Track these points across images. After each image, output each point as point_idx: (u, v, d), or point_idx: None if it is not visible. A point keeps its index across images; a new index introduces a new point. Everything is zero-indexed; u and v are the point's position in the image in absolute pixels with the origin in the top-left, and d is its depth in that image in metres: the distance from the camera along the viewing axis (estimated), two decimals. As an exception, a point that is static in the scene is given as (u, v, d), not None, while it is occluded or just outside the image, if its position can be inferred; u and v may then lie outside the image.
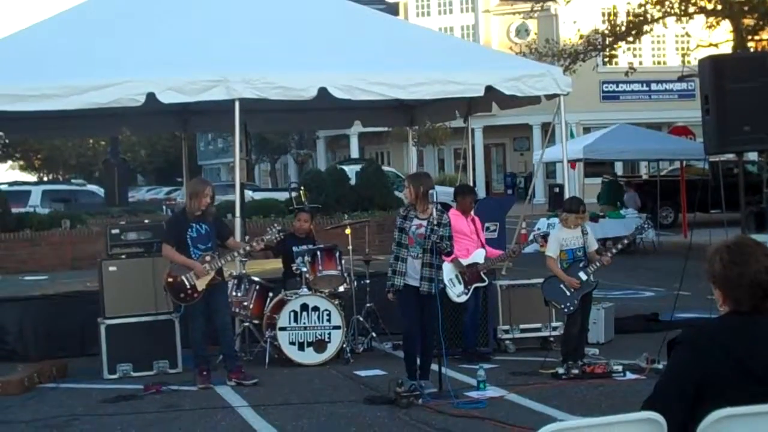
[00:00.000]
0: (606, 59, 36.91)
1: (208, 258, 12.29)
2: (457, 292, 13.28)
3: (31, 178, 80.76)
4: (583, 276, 12.41)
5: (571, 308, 12.41)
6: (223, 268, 12.60)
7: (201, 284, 12.24)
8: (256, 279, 13.98)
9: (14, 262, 23.33)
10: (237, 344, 13.67)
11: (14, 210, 28.36)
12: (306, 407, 10.97)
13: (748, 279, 4.49)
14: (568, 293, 12.42)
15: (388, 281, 11.58)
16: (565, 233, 12.59)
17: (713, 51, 26.89)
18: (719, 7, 28.45)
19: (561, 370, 12.09)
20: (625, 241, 13.88)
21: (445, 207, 13.62)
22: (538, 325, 14.13)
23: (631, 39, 31.06)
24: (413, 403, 10.76)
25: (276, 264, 15.04)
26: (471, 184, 18.58)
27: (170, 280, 12.32)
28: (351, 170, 34.12)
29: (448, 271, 12.95)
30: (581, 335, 12.65)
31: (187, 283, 12.22)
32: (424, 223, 11.39)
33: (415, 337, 11.53)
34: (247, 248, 12.90)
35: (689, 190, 30.66)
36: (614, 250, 13.00)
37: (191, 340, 12.52)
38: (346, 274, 14.06)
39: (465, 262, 13.38)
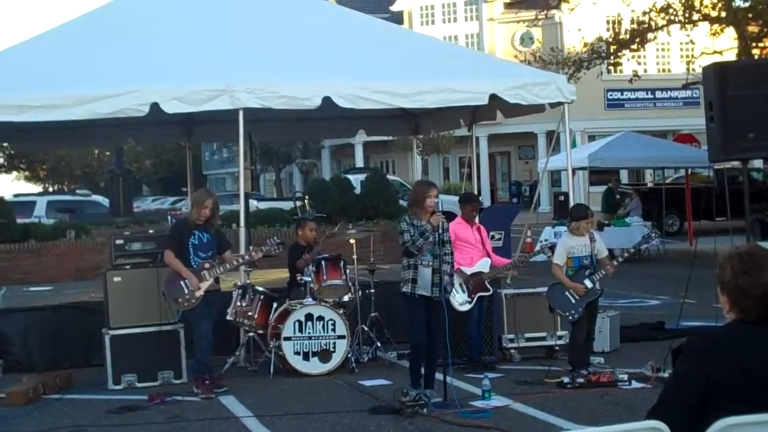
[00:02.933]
0: (610, 67, 36.83)
1: (207, 265, 12.39)
2: (460, 301, 13.25)
3: (37, 188, 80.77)
4: (588, 283, 12.40)
5: (576, 315, 12.39)
6: (219, 277, 12.71)
7: (199, 292, 12.31)
8: (260, 289, 13.97)
9: (19, 272, 23.31)
10: (242, 354, 13.70)
11: (19, 221, 28.34)
12: (311, 417, 10.95)
13: (759, 290, 4.46)
14: (573, 300, 12.40)
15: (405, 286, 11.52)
16: (573, 241, 12.59)
17: (717, 58, 26.86)
18: (723, 14, 28.42)
19: (566, 379, 12.07)
20: (632, 250, 13.89)
21: (450, 216, 13.61)
22: (543, 334, 14.12)
23: (635, 47, 31.03)
24: (418, 412, 10.74)
25: (280, 274, 15.02)
26: (476, 192, 18.55)
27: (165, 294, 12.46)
28: (356, 179, 34.09)
29: (451, 279, 12.91)
30: (587, 344, 12.64)
31: (185, 289, 12.30)
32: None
33: (424, 346, 11.50)
34: (246, 258, 13.00)
35: (694, 198, 30.63)
36: (620, 260, 13.03)
37: (197, 346, 12.47)
38: (350, 284, 14.05)
39: (469, 271, 13.36)
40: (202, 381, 12.30)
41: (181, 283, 12.34)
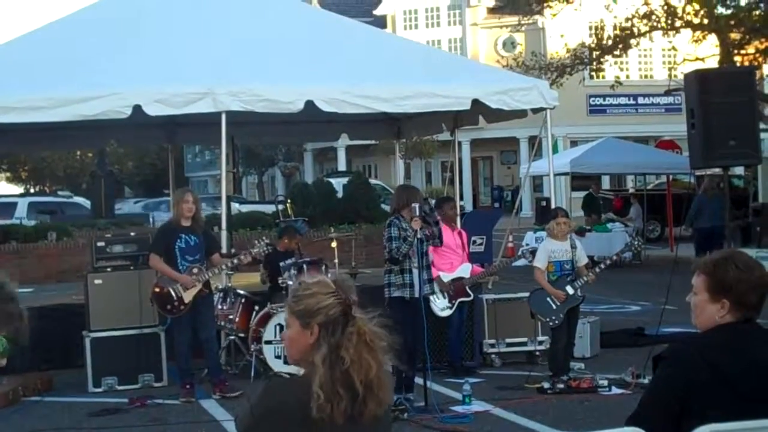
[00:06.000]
0: (593, 73, 36.92)
1: (195, 270, 12.29)
2: (441, 306, 13.26)
3: (18, 189, 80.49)
4: (569, 290, 12.42)
5: (557, 321, 12.41)
6: (210, 280, 12.61)
7: (188, 296, 12.23)
8: (241, 292, 13.95)
9: (-1, 274, 23.24)
10: (222, 357, 13.65)
11: (0, 222, 28.31)
12: (291, 421, 10.92)
13: (762, 282, 4.55)
14: (554, 306, 12.42)
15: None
16: (553, 245, 12.61)
17: (699, 65, 26.93)
18: (706, 21, 28.49)
19: (547, 385, 12.09)
20: (614, 257, 13.92)
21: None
22: (524, 339, 14.13)
23: (617, 53, 31.10)
24: (398, 417, 10.74)
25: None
26: (458, 197, 18.56)
27: (157, 290, 12.31)
28: (338, 183, 34.18)
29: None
30: (567, 349, 12.66)
31: (174, 294, 12.21)
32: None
33: (410, 350, 11.48)
34: (235, 261, 12.91)
35: (676, 204, 30.72)
36: (602, 267, 13.07)
37: (176, 352, 12.50)
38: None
39: (450, 276, 13.37)
40: (182, 385, 12.28)
41: (170, 289, 12.26)
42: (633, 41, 30.43)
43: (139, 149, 69.65)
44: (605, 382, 12.09)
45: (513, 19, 41.16)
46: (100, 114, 13.50)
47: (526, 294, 13.18)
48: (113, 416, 11.53)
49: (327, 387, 3.96)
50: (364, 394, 4.03)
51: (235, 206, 30.28)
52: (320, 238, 17.28)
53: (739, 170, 35.01)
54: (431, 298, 12.75)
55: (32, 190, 78.89)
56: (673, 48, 30.61)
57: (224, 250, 13.59)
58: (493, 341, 14.07)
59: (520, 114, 15.62)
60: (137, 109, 13.47)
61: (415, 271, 11.41)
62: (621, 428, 4.45)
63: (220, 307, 13.56)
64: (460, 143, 21.51)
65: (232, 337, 13.87)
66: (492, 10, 58.64)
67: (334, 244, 14.68)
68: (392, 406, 3.83)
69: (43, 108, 13.34)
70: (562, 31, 35.47)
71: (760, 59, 28.10)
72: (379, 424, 4.18)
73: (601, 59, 31.44)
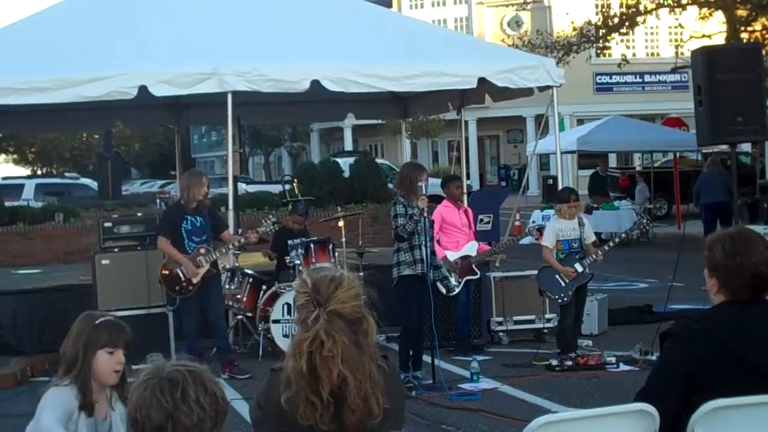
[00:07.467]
0: (599, 51, 36.78)
1: (202, 251, 12.30)
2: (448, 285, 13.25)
3: (25, 171, 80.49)
4: (578, 267, 12.41)
5: (566, 299, 12.41)
6: (217, 260, 12.62)
7: (196, 277, 12.25)
8: (249, 272, 13.97)
9: (7, 255, 23.32)
10: (230, 337, 13.67)
11: (7, 203, 28.34)
12: (300, 400, 10.92)
13: (750, 269, 4.51)
14: (563, 284, 12.42)
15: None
16: (561, 224, 12.60)
17: (706, 42, 26.85)
18: (712, -2, 28.46)
19: (554, 362, 12.10)
20: (623, 235, 13.92)
21: (438, 199, 13.60)
22: (532, 317, 14.13)
23: (624, 30, 31.00)
24: (406, 395, 10.75)
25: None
26: (464, 176, 18.53)
27: (165, 272, 12.33)
28: (344, 163, 34.13)
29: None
30: (575, 327, 12.67)
31: (182, 275, 12.23)
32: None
33: (417, 329, 11.48)
34: (242, 240, 12.91)
35: (683, 182, 30.67)
36: (611, 244, 13.06)
37: (185, 332, 12.53)
38: (339, 267, 14.00)
39: (456, 254, 13.36)
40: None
41: (178, 270, 12.29)
42: (639, 19, 30.34)
43: (145, 130, 69.67)
44: (613, 359, 12.11)
45: (519, -3, 40.99)
46: (106, 95, 13.48)
47: (534, 272, 13.19)
48: (121, 396, 11.54)
49: (298, 391, 3.98)
50: (343, 404, 3.93)
51: (242, 186, 30.29)
52: (327, 217, 17.26)
53: (746, 147, 34.93)
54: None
55: (39, 172, 78.91)
56: (680, 25, 30.53)
57: (231, 230, 13.60)
58: (500, 319, 14.08)
59: (527, 92, 15.58)
60: (143, 89, 13.45)
61: (424, 248, 11.40)
62: (629, 404, 4.45)
63: (227, 286, 13.59)
64: (466, 122, 21.46)
65: (240, 317, 13.90)
66: (498, -11, 58.56)
67: (341, 224, 14.68)
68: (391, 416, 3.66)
69: (49, 89, 13.32)
70: (568, 9, 35.51)
71: (767, 36, 28.00)
72: None
73: (608, 37, 31.34)
